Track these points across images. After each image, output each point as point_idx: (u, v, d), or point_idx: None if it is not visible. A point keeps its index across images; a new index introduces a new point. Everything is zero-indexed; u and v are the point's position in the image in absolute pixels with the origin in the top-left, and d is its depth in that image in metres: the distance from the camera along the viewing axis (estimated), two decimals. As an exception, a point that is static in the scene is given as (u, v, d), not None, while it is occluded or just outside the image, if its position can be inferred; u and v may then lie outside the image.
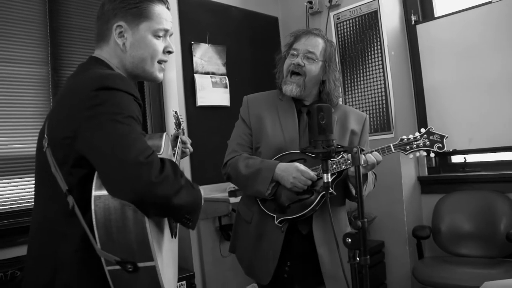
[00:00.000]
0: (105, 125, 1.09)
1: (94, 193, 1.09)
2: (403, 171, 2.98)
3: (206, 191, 2.99)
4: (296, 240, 1.78)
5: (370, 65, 3.15)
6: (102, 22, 1.36)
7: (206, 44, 3.17)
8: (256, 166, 1.76)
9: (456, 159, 3.14)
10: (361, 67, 3.21)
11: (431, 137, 1.69)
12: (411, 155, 1.72)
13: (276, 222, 1.73)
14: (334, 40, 3.34)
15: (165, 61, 1.43)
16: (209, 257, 2.97)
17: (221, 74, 3.26)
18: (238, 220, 1.98)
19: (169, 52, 1.42)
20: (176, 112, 1.99)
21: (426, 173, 3.14)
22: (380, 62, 3.08)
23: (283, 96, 1.90)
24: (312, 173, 1.67)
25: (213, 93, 3.18)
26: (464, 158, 3.07)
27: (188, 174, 2.95)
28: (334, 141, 1.22)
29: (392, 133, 3.01)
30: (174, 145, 1.77)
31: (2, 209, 2.35)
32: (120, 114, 1.10)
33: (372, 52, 3.13)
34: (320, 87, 1.88)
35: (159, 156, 1.26)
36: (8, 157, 2.39)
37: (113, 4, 1.34)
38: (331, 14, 3.37)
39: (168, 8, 1.43)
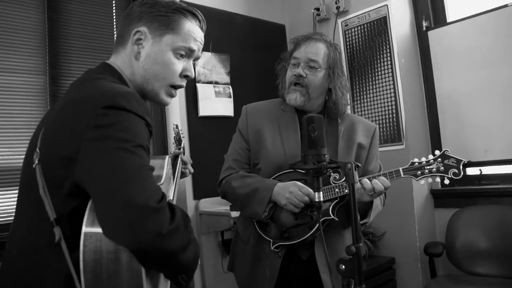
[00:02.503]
0: (110, 152, 0.91)
1: (85, 229, 0.92)
2: (415, 184, 2.83)
3: (208, 204, 2.88)
4: (296, 265, 1.65)
5: (379, 73, 3.02)
6: (125, 23, 1.20)
7: (209, 53, 3.08)
8: (253, 185, 1.64)
9: (471, 171, 2.96)
10: (370, 75, 3.08)
11: (446, 161, 1.53)
12: (422, 181, 1.57)
13: (272, 248, 1.61)
14: (342, 47, 3.23)
15: (180, 87, 1.24)
16: (211, 272, 2.86)
17: (225, 84, 3.16)
18: (236, 239, 1.85)
19: (187, 77, 1.23)
20: (177, 126, 1.88)
21: (440, 186, 2.98)
22: (390, 70, 2.95)
23: (285, 106, 1.77)
24: (311, 190, 1.52)
25: (216, 103, 3.09)
26: (480, 170, 2.90)
27: (189, 187, 2.86)
28: (326, 156, 1.10)
29: (402, 144, 2.86)
30: (173, 165, 1.63)
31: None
32: (130, 142, 0.93)
33: (382, 60, 3.00)
34: (326, 95, 1.74)
35: (161, 188, 1.10)
36: (4, 168, 2.32)
37: (142, 7, 1.19)
38: (339, 21, 3.26)
39: (202, 29, 1.26)
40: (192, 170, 1.71)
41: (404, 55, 2.96)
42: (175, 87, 1.22)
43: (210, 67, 3.10)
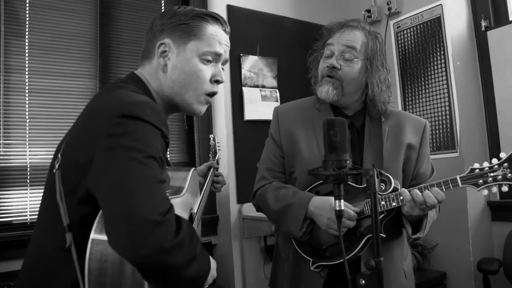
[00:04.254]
0: (120, 162, 0.89)
1: (93, 236, 0.92)
2: (469, 194, 2.64)
3: (251, 208, 2.85)
4: (339, 285, 1.44)
5: (432, 76, 2.86)
6: (149, 37, 1.20)
7: (256, 57, 3.07)
8: (287, 200, 1.48)
9: (535, 182, 2.74)
10: (422, 79, 2.92)
11: None
12: (485, 191, 1.30)
13: (312, 268, 1.45)
14: (394, 50, 3.10)
15: (214, 93, 1.21)
16: (253, 278, 2.83)
17: (272, 87, 3.13)
18: (277, 253, 1.69)
19: (217, 82, 1.20)
20: (213, 139, 1.86)
21: (498, 197, 2.76)
22: (444, 73, 2.78)
23: (320, 105, 1.59)
24: (353, 212, 1.38)
25: (262, 107, 3.07)
26: (545, 181, 2.66)
27: (233, 191, 2.85)
28: (348, 162, 1.03)
29: (456, 152, 2.69)
30: (205, 174, 1.64)
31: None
32: (142, 152, 0.91)
33: (435, 62, 2.84)
34: (364, 90, 1.55)
35: (178, 197, 1.11)
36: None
37: (162, 20, 1.18)
38: (391, 22, 3.13)
39: (226, 31, 1.23)
40: (225, 183, 1.68)
41: (460, 57, 2.78)
42: (209, 94, 1.19)
43: (257, 70, 3.09)
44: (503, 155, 1.30)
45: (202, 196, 1.49)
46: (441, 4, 2.80)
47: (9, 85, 2.40)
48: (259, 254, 2.90)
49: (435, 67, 2.84)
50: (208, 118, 3.01)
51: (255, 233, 2.81)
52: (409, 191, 1.37)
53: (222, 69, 1.24)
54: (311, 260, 1.47)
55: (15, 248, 2.16)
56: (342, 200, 1.03)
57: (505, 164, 1.28)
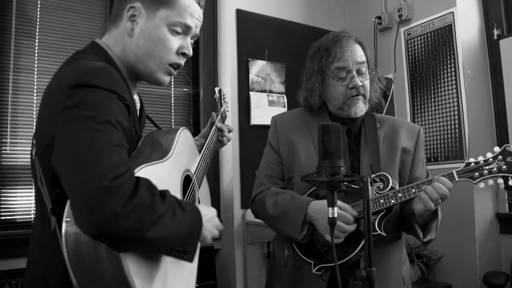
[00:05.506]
0: (73, 134, 0.88)
1: (66, 218, 0.91)
2: (477, 206, 2.59)
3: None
4: None
5: (442, 84, 2.82)
6: (119, 0, 1.16)
7: (264, 61, 3.07)
8: (285, 205, 1.49)
9: (546, 195, 2.67)
10: (432, 87, 2.88)
11: (508, 159, 1.28)
12: (481, 184, 1.32)
13: (313, 270, 1.44)
14: (404, 57, 3.07)
15: (178, 65, 1.18)
16: (254, 284, 2.81)
17: (279, 93, 3.12)
18: (273, 264, 1.67)
19: (184, 55, 1.17)
20: (219, 91, 1.81)
21: (507, 209, 2.70)
22: (454, 82, 2.74)
23: (320, 114, 1.61)
24: (350, 216, 1.37)
25: (269, 112, 3.05)
26: (556, 195, 2.60)
27: (237, 196, 2.83)
28: (342, 168, 1.01)
29: (465, 162, 2.63)
30: (207, 135, 1.57)
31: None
32: (95, 119, 0.89)
33: (445, 70, 2.80)
34: None
35: (162, 161, 1.08)
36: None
37: None
38: (401, 29, 3.10)
39: (200, 5, 1.22)
40: (230, 137, 1.63)
41: (470, 66, 2.74)
42: (173, 66, 1.16)
43: (265, 75, 3.08)
44: (497, 149, 1.32)
45: (203, 155, 1.44)
46: (452, 12, 2.76)
47: (18, 84, 2.42)
48: (261, 260, 2.88)
49: (445, 75, 2.80)
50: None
51: (258, 239, 2.79)
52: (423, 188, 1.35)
53: (191, 43, 1.20)
54: (312, 262, 1.46)
55: (19, 246, 2.17)
56: (336, 208, 1.02)
57: (500, 157, 1.30)
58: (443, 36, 2.82)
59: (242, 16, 3.02)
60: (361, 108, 1.52)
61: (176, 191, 1.16)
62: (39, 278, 1.02)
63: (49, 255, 1.00)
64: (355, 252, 1.39)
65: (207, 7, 3.05)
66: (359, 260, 1.43)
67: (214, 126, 1.57)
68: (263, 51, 3.07)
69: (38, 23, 2.51)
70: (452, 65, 2.76)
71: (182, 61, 1.18)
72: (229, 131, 1.64)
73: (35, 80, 2.48)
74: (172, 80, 2.94)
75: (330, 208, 1.01)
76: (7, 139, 2.37)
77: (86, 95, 0.91)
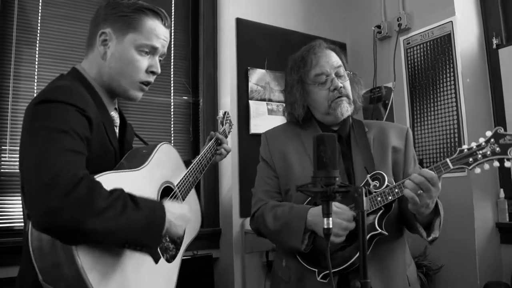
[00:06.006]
0: (32, 140, 1.02)
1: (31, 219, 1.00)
2: (477, 215, 2.58)
3: (253, 222, 2.83)
4: None
5: (442, 93, 2.82)
6: (92, 25, 1.29)
7: (264, 70, 3.07)
8: (285, 216, 1.49)
9: (547, 205, 2.66)
10: (432, 96, 2.88)
11: (501, 141, 1.26)
12: (477, 170, 1.30)
13: (318, 278, 1.42)
14: (403, 66, 3.08)
15: (148, 82, 1.30)
16: (253, 293, 2.79)
17: (279, 101, 3.12)
18: (274, 281, 1.65)
19: (153, 73, 1.29)
20: (224, 113, 1.92)
21: (507, 219, 2.68)
22: (453, 91, 2.74)
23: (309, 125, 1.65)
24: (350, 213, 1.37)
25: (268, 121, 3.05)
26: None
27: (236, 204, 2.83)
28: (337, 179, 1.01)
29: (464, 172, 2.61)
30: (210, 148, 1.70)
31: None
32: (51, 128, 1.02)
33: (445, 79, 2.80)
34: None
35: (133, 170, 1.19)
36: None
37: (106, 10, 1.28)
38: (401, 38, 3.11)
39: (166, 25, 1.32)
40: (229, 149, 1.73)
41: (470, 75, 2.74)
42: (143, 83, 1.28)
43: (264, 84, 3.08)
44: (488, 133, 1.30)
45: (191, 170, 1.53)
46: (451, 21, 2.77)
47: (18, 92, 2.43)
48: (260, 269, 2.86)
49: (445, 84, 2.80)
50: (214, 130, 2.99)
51: (257, 248, 2.78)
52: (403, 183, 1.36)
53: (160, 61, 1.33)
54: (316, 270, 1.44)
55: (16, 254, 2.16)
56: (331, 219, 1.01)
57: (492, 140, 1.28)
58: (443, 45, 2.82)
59: (242, 25, 3.03)
60: (346, 108, 1.56)
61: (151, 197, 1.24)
62: (21, 281, 1.14)
63: (27, 259, 1.07)
64: (357, 255, 1.36)
65: (207, 16, 3.08)
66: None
67: (211, 142, 1.68)
68: (263, 60, 3.08)
69: (38, 31, 2.52)
70: (452, 74, 2.76)
71: (151, 78, 1.30)
72: (227, 150, 1.75)
73: (35, 88, 2.48)
74: (172, 88, 2.94)
75: (325, 219, 1.01)
76: (6, 146, 2.37)
77: (46, 110, 1.06)
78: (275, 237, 1.56)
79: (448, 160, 1.33)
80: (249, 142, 2.95)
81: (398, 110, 3.12)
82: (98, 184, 1.01)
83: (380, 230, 1.38)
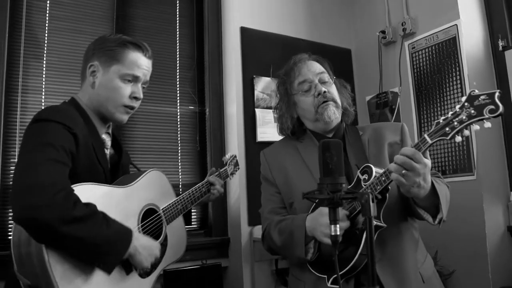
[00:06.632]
0: (22, 154, 1.19)
1: None
2: (488, 219, 2.54)
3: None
4: None
5: (448, 97, 2.80)
6: (84, 60, 1.49)
7: (269, 78, 3.07)
8: (288, 229, 1.50)
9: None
10: (438, 100, 2.87)
11: (476, 103, 1.17)
12: (458, 138, 1.22)
13: (329, 284, 1.40)
14: (409, 71, 3.07)
15: (132, 107, 1.48)
16: (263, 302, 2.77)
17: (285, 109, 3.11)
18: None
19: (136, 98, 1.48)
20: (231, 156, 2.10)
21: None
22: (460, 94, 2.73)
23: (303, 137, 1.70)
24: (342, 211, 1.37)
25: (275, 128, 2.98)
26: None
27: (244, 213, 2.81)
28: (343, 185, 1.00)
29: (473, 175, 2.61)
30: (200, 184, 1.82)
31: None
32: (37, 142, 1.19)
33: (451, 83, 2.79)
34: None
35: (116, 187, 1.35)
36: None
37: (94, 45, 1.48)
38: (406, 43, 3.10)
39: (147, 56, 1.50)
40: (221, 191, 1.85)
41: (476, 78, 2.72)
42: (128, 107, 1.47)
43: (270, 92, 3.08)
44: (463, 98, 1.23)
45: (181, 198, 1.67)
46: (456, 24, 2.76)
47: (26, 105, 2.46)
48: (270, 277, 2.84)
49: (451, 87, 2.79)
50: (220, 140, 3.01)
51: (266, 256, 2.76)
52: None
53: (143, 87, 1.53)
54: (326, 276, 1.43)
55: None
56: (338, 225, 1.01)
57: (466, 104, 1.20)
58: (448, 49, 2.81)
59: (247, 34, 3.04)
60: (333, 111, 1.59)
61: (132, 216, 1.40)
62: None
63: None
64: (359, 251, 1.35)
65: (212, 26, 3.10)
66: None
67: (206, 179, 1.83)
68: (268, 68, 3.08)
69: (46, 45, 2.55)
70: (458, 77, 2.75)
71: (134, 103, 1.49)
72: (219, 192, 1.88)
73: (43, 100, 2.51)
74: (178, 98, 2.96)
75: (332, 226, 1.00)
76: (15, 159, 2.39)
77: (37, 127, 1.25)
78: (283, 251, 1.57)
79: (425, 135, 1.28)
80: (256, 150, 2.92)
81: (405, 115, 3.11)
82: (76, 196, 1.14)
83: (376, 223, 1.34)
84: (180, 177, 2.89)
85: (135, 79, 1.46)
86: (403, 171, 1.26)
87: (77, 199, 1.15)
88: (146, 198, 1.49)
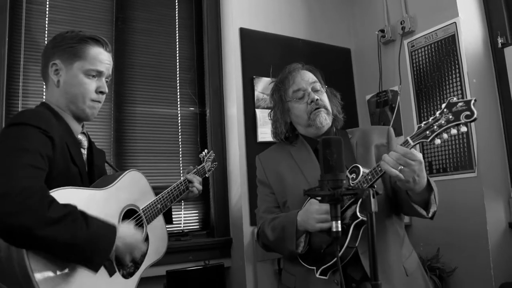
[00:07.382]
0: None
1: None
2: (489, 216, 2.55)
3: (264, 231, 2.82)
4: None
5: (448, 95, 2.81)
6: (43, 59, 1.47)
7: (269, 78, 3.08)
8: (280, 224, 1.60)
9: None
10: (438, 98, 2.88)
11: (454, 109, 1.30)
12: (437, 141, 1.34)
13: (317, 275, 1.49)
14: (408, 70, 3.07)
15: (98, 101, 1.48)
16: (266, 302, 2.78)
17: (285, 109, 3.12)
18: None
19: (102, 93, 1.47)
20: (208, 152, 2.09)
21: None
22: (460, 91, 2.73)
23: (296, 141, 1.79)
24: (324, 206, 1.42)
25: (275, 128, 3.05)
26: None
27: (246, 213, 2.82)
28: (344, 181, 1.01)
29: (474, 172, 2.61)
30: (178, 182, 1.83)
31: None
32: (12, 147, 1.18)
33: (451, 81, 2.80)
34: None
35: (95, 190, 1.36)
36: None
37: (53, 43, 1.45)
38: (405, 42, 3.11)
39: (107, 50, 1.50)
40: (200, 188, 1.85)
41: (476, 75, 2.73)
42: (95, 101, 1.47)
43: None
44: (443, 105, 1.35)
45: (160, 198, 1.68)
46: (455, 22, 2.76)
47: (26, 108, 2.46)
48: (272, 277, 2.84)
49: (451, 85, 2.80)
50: (221, 140, 3.02)
51: (269, 256, 2.76)
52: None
53: (107, 81, 1.52)
54: (315, 268, 1.51)
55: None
56: (339, 222, 1.01)
57: (445, 110, 1.32)
58: (447, 47, 2.82)
59: (246, 35, 3.05)
60: (324, 118, 1.69)
61: (112, 217, 1.38)
62: None
63: None
64: (345, 245, 1.43)
65: (211, 27, 3.10)
66: (358, 253, 1.47)
67: (184, 177, 1.84)
68: (268, 68, 3.09)
69: (46, 49, 2.56)
70: (457, 75, 2.75)
71: (101, 98, 1.49)
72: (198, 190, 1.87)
73: (44, 104, 2.51)
74: (179, 100, 2.97)
75: (334, 222, 1.01)
76: (17, 163, 2.40)
77: (12, 131, 1.23)
78: (276, 246, 1.65)
79: (408, 138, 1.37)
80: (257, 150, 2.92)
81: (405, 113, 3.11)
82: (51, 197, 1.13)
83: (361, 217, 1.42)
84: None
85: (99, 74, 1.45)
86: (400, 167, 1.33)
87: (52, 200, 1.13)
88: (126, 199, 1.50)
